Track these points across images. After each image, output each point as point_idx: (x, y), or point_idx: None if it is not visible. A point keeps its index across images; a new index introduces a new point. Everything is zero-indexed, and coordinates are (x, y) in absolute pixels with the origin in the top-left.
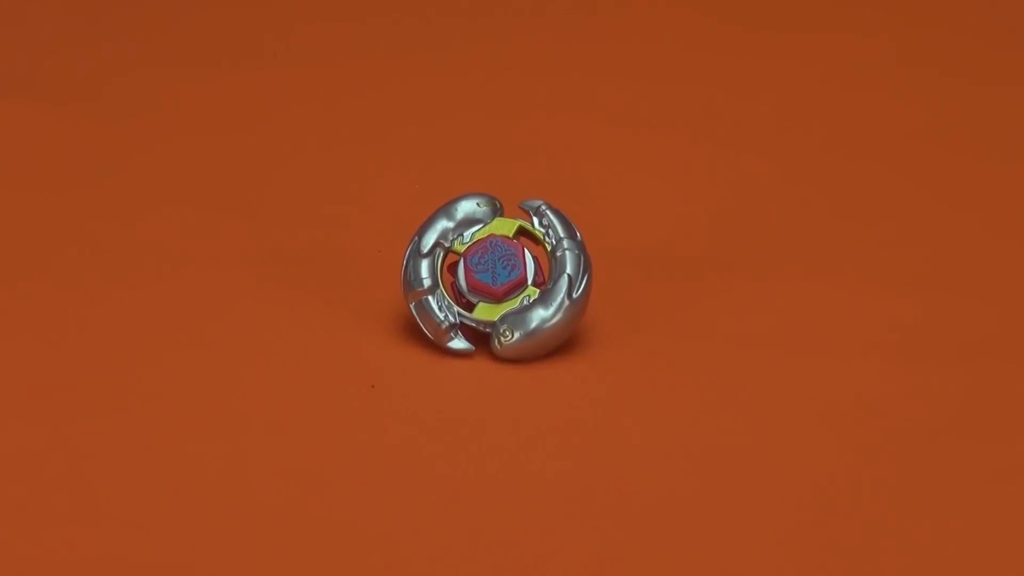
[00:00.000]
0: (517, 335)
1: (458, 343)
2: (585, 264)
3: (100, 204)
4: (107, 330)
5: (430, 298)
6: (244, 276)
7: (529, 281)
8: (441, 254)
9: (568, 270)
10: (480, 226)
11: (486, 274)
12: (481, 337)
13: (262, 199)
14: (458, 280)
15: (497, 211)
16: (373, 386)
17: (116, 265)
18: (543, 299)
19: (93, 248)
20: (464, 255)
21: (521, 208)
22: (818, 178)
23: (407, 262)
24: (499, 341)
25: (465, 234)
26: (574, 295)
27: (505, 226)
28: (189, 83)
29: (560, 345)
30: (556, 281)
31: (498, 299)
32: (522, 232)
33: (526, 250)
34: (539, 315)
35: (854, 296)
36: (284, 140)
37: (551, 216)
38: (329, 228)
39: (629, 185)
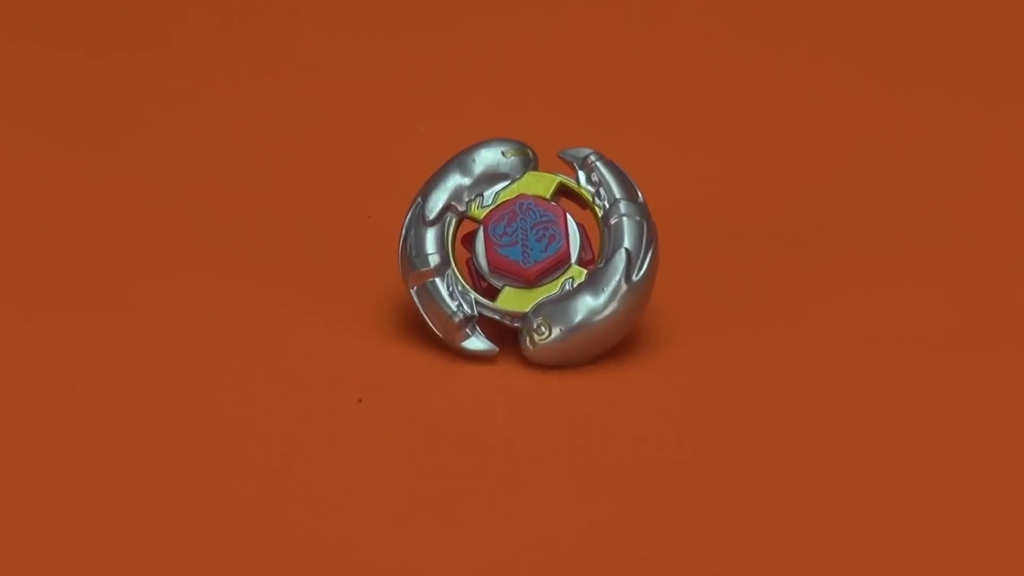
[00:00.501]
0: (556, 332)
1: (476, 342)
2: (649, 235)
3: (68, 208)
4: (78, 340)
5: (438, 281)
6: (202, 253)
7: (573, 259)
8: (453, 221)
9: (626, 243)
10: (506, 183)
11: (514, 248)
12: (507, 334)
13: (228, 157)
14: (476, 257)
15: (529, 163)
16: (360, 400)
17: (82, 272)
18: (592, 283)
19: (61, 258)
20: (484, 223)
21: (562, 159)
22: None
23: (407, 232)
24: (532, 340)
25: (486, 194)
26: (634, 277)
27: (540, 183)
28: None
29: (614, 346)
30: (610, 258)
31: (530, 282)
32: (563, 191)
33: (568, 216)
34: (586, 305)
35: (977, 278)
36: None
37: (603, 170)
38: (303, 186)
39: (691, 139)
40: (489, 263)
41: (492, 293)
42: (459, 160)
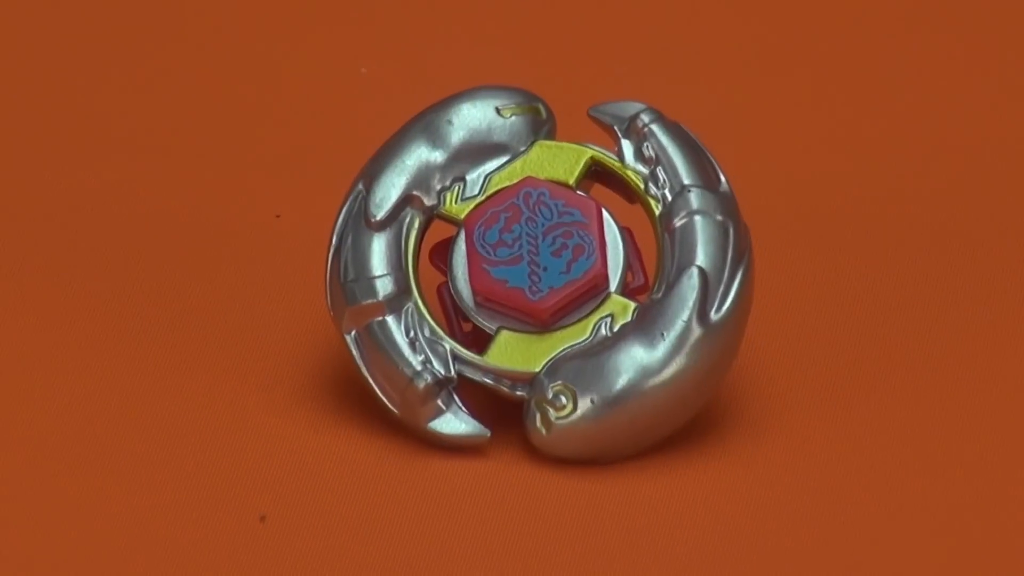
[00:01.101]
0: (586, 405)
1: (452, 422)
2: (738, 245)
3: None
4: None
5: (390, 321)
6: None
7: (612, 285)
8: (417, 223)
9: (700, 258)
10: (504, 160)
11: (517, 268)
12: (505, 408)
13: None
14: (455, 281)
15: (541, 126)
16: (263, 519)
17: None
18: (644, 325)
19: None
20: (467, 225)
21: (595, 120)
22: None
23: (341, 241)
24: (546, 419)
25: (471, 178)
26: (712, 315)
27: (559, 160)
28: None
29: (677, 430)
30: (673, 284)
31: (543, 323)
32: (596, 173)
33: (606, 214)
34: (635, 361)
35: None
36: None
37: (663, 138)
38: (177, 163)
39: (786, 93)
40: (476, 291)
41: (481, 340)
42: (426, 122)
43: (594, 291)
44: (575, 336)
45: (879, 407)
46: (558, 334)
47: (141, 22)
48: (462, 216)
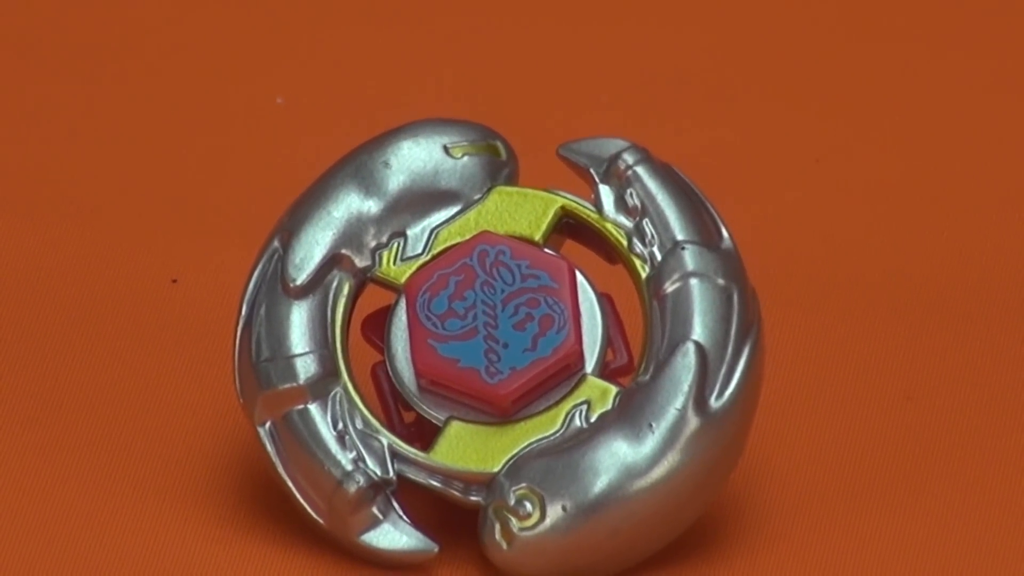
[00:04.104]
0: (556, 514)
1: (391, 534)
2: (744, 315)
3: None
4: None
5: (313, 409)
6: None
7: (589, 365)
8: (346, 289)
9: (696, 332)
10: (456, 210)
11: (471, 343)
12: (457, 518)
13: None
14: (393, 361)
15: (501, 169)
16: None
17: None
18: (627, 414)
19: None
20: (408, 292)
21: (566, 160)
22: None
23: (251, 311)
24: (506, 531)
25: (412, 232)
26: (712, 402)
27: (523, 210)
28: None
29: (669, 543)
30: (664, 364)
31: (503, 411)
32: (567, 226)
33: (580, 277)
34: (616, 458)
35: None
36: None
37: (650, 183)
38: (56, 214)
39: (789, 127)
40: (420, 373)
41: (426, 433)
42: (357, 164)
43: (566, 373)
44: (543, 428)
45: (906, 519)
46: (522, 426)
47: (24, 59)
48: (402, 280)
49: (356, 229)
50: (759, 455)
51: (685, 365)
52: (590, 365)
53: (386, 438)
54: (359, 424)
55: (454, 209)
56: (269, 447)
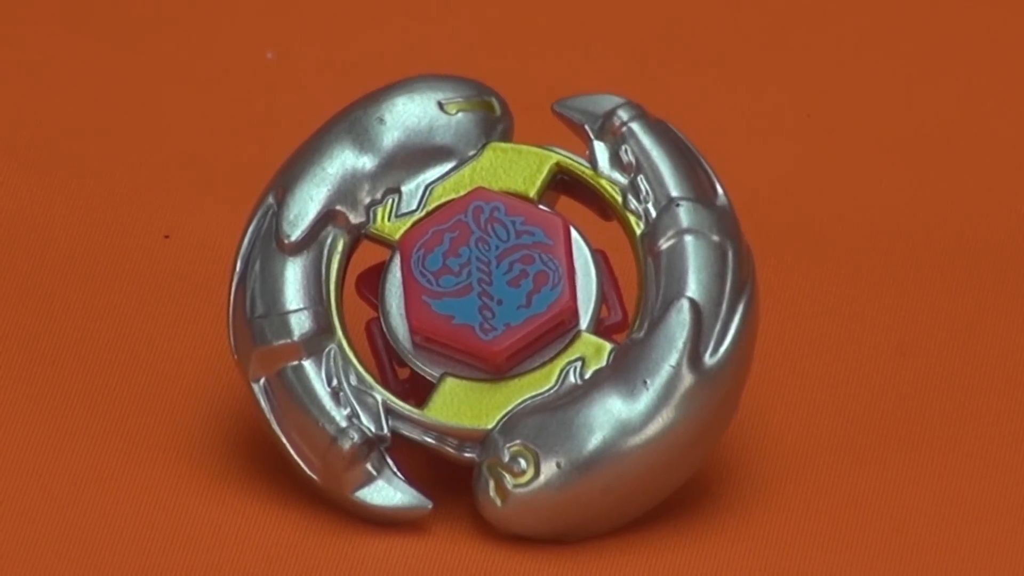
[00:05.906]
0: (550, 470)
1: (385, 491)
2: (739, 271)
3: None
4: None
5: (308, 365)
6: None
7: (583, 322)
8: (340, 245)
9: (691, 288)
10: (450, 166)
11: (465, 300)
12: (451, 474)
13: None
14: (387, 317)
15: (496, 125)
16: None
17: None
18: (622, 370)
19: None
20: (403, 248)
21: (561, 117)
22: None
23: (246, 267)
24: (501, 487)
25: (407, 189)
26: (706, 359)
27: (517, 167)
28: None
29: (661, 502)
30: (659, 321)
31: (498, 367)
32: (563, 183)
33: (575, 233)
34: (611, 415)
35: None
36: None
37: (645, 140)
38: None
39: (786, 86)
40: (415, 330)
41: (420, 390)
42: (351, 121)
43: (560, 329)
44: (537, 385)
45: (899, 476)
46: (516, 382)
47: (20, 12)
48: (397, 236)
49: (350, 185)
50: (753, 412)
51: (680, 322)
52: (584, 322)
53: (380, 394)
54: (353, 380)
55: (449, 165)
56: (263, 403)
